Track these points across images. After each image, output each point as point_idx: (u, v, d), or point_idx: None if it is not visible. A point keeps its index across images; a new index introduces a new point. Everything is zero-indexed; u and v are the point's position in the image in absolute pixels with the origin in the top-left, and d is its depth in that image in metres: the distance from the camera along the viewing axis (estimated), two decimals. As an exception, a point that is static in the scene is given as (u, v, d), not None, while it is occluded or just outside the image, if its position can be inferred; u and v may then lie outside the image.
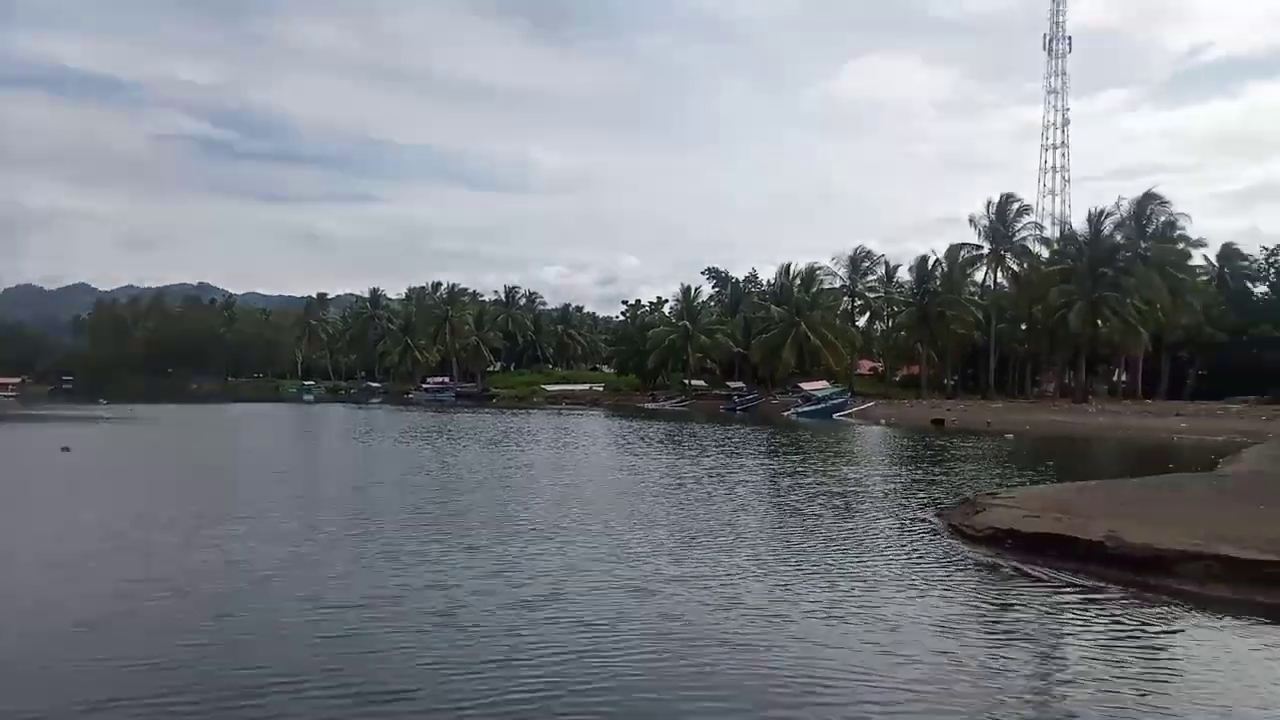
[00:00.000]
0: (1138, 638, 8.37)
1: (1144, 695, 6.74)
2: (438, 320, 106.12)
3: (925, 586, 10.12)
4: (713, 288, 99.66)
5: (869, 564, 11.37)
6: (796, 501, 17.09)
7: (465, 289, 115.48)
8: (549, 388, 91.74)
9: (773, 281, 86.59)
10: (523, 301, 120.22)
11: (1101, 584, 10.26)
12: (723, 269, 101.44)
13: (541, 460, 25.93)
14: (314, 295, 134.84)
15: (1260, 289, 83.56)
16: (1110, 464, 27.10)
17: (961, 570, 11.06)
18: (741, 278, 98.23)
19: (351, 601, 9.00)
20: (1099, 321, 64.73)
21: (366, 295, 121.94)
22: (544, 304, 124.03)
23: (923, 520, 14.83)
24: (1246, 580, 10.02)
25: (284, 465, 24.81)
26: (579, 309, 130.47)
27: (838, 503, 16.84)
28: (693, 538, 12.98)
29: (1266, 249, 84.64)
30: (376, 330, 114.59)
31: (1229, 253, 79.11)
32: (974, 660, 7.46)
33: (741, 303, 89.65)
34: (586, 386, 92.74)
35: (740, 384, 77.11)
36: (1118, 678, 7.10)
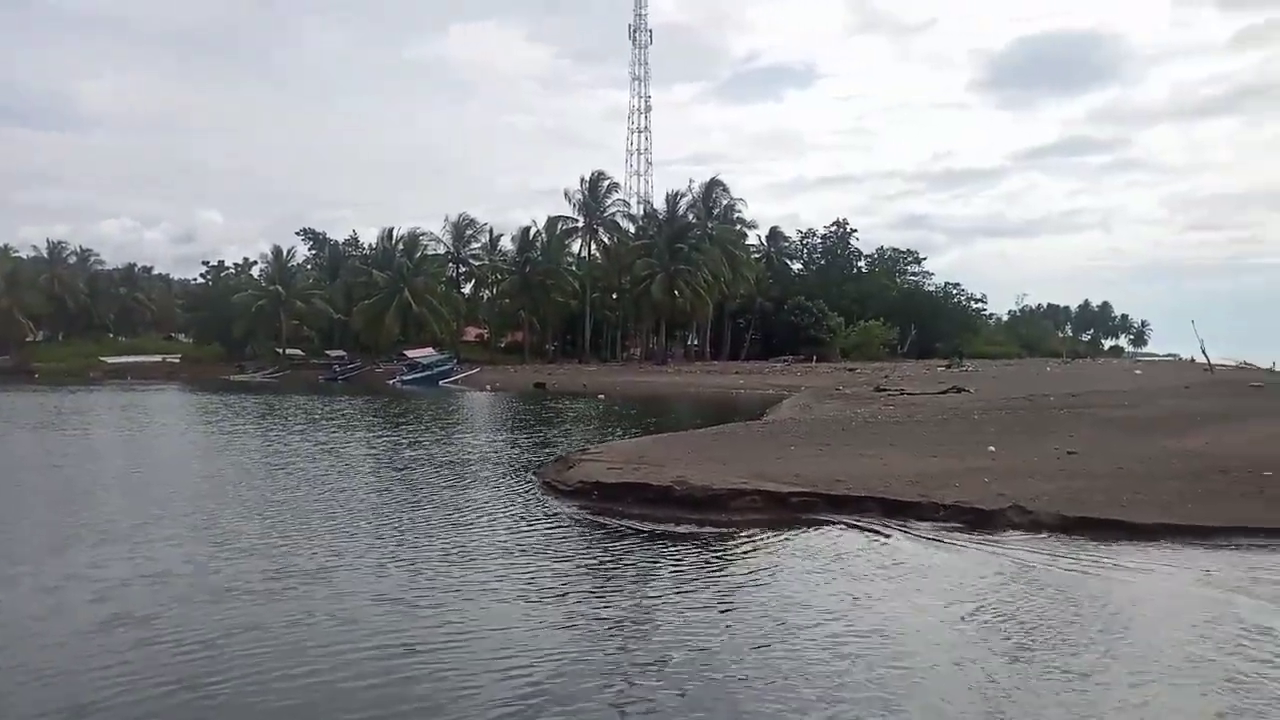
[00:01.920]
0: (708, 564, 9.61)
1: (721, 611, 7.81)
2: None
3: (515, 542, 10.63)
4: (309, 250, 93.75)
5: (471, 529, 11.66)
6: (402, 472, 16.90)
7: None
8: (110, 360, 78.86)
9: (375, 246, 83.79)
10: (72, 260, 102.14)
11: (672, 524, 11.58)
12: (320, 230, 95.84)
13: (106, 445, 22.53)
14: None
15: (796, 266, 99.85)
16: (684, 418, 30.62)
17: (552, 524, 11.78)
18: (341, 240, 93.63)
19: None
20: (676, 292, 72.42)
21: None
22: (102, 263, 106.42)
23: (521, 480, 15.54)
24: (779, 507, 12.07)
25: None
26: (148, 270, 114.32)
27: (446, 472, 16.96)
28: (297, 520, 12.24)
29: (801, 233, 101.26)
30: None
31: (775, 234, 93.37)
32: (561, 608, 8.03)
33: (341, 267, 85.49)
34: (159, 358, 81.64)
35: (341, 353, 73.72)
36: (695, 601, 8.13)
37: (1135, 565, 9.37)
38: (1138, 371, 50.80)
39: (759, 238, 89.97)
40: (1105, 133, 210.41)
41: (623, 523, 11.74)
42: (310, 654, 6.76)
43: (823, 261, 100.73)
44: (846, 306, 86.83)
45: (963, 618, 7.58)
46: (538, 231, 78.58)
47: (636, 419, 30.23)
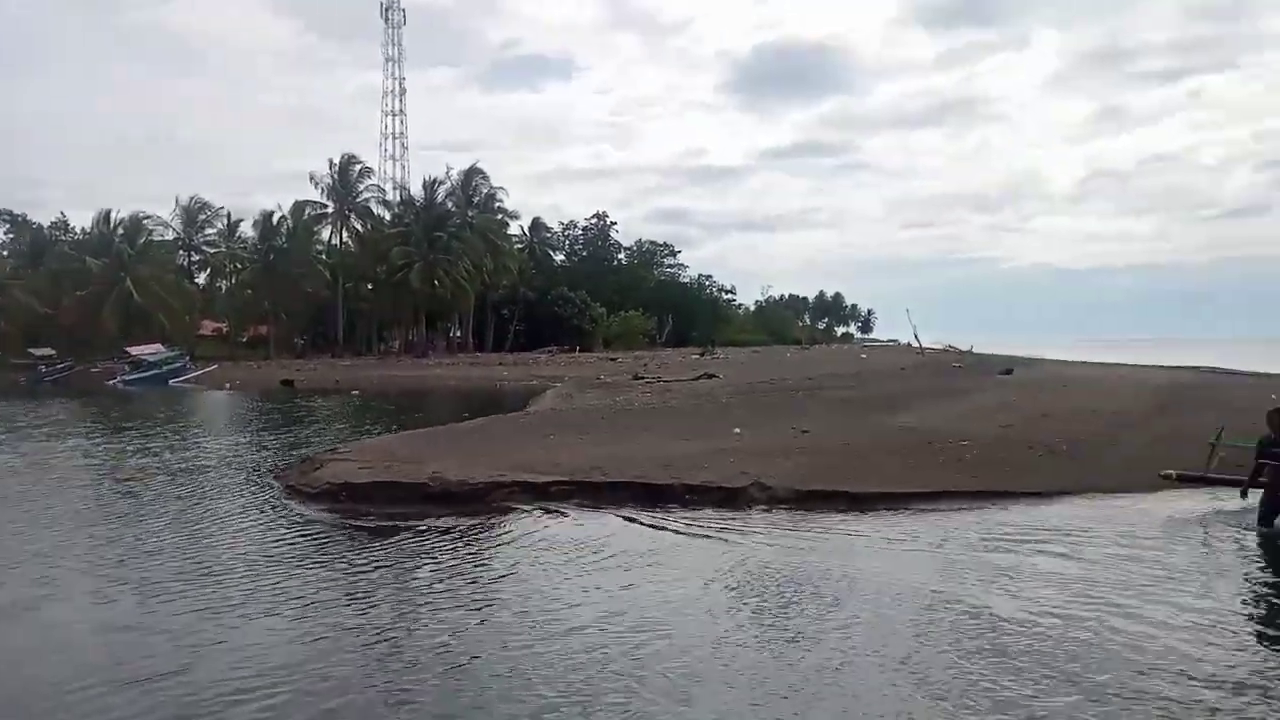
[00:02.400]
0: (463, 561, 9.44)
1: (475, 609, 7.69)
2: None
3: (258, 553, 9.92)
4: (6, 234, 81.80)
5: (207, 542, 10.70)
6: (126, 484, 15.19)
7: None
8: None
9: (89, 230, 74.57)
10: None
11: (428, 521, 11.28)
12: (20, 212, 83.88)
13: None
14: None
15: (559, 257, 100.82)
16: (446, 412, 29.96)
17: (297, 531, 11.09)
18: (47, 224, 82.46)
19: None
20: (436, 282, 70.72)
21: None
22: None
23: (264, 485, 14.51)
24: (538, 497, 12.15)
25: None
26: None
27: (180, 480, 15.46)
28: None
29: (563, 224, 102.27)
30: None
31: (537, 225, 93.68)
32: (304, 620, 7.60)
33: (47, 254, 75.27)
34: None
35: (49, 351, 64.90)
36: (449, 601, 7.96)
37: (853, 532, 10.37)
38: (863, 355, 56.32)
39: (521, 228, 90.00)
40: (835, 137, 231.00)
41: (375, 523, 11.28)
42: (19, 698, 5.94)
43: (584, 253, 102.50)
44: (608, 297, 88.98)
45: (702, 593, 8.01)
46: (283, 217, 73.64)
47: (394, 415, 29.20)
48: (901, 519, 10.96)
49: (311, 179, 73.82)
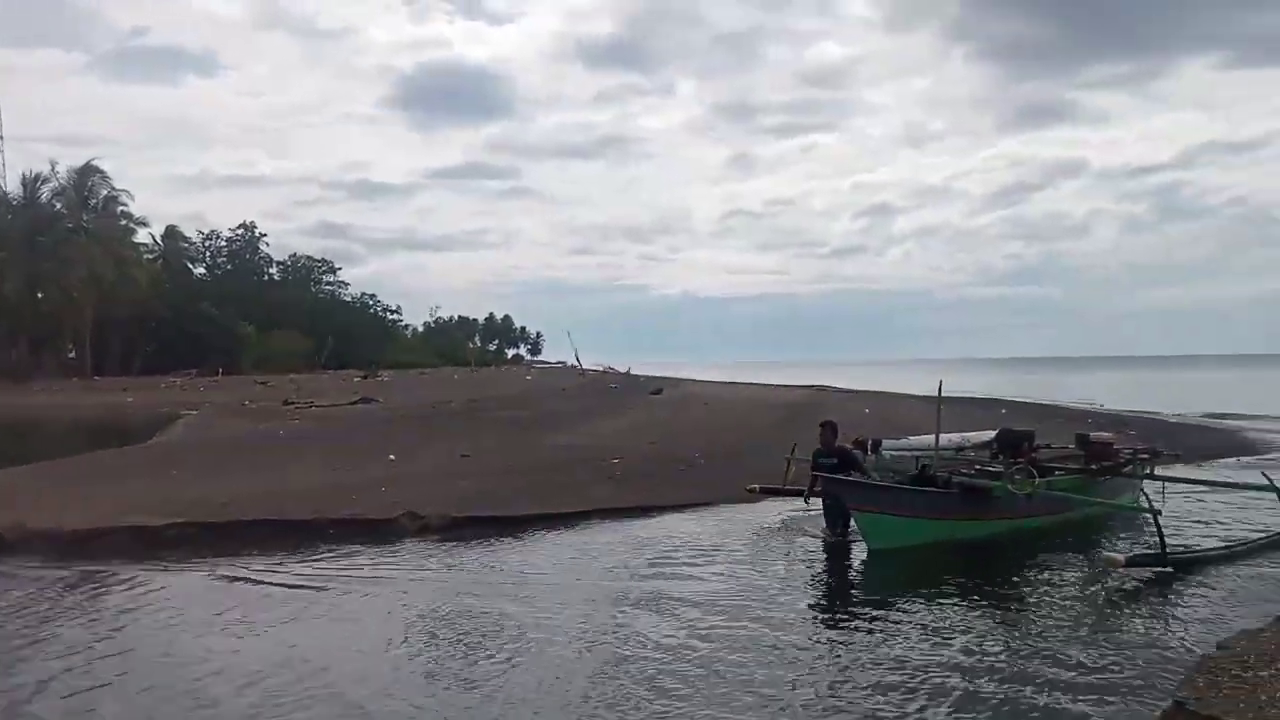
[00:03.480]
0: (47, 625, 7.81)
1: (68, 683, 6.35)
2: None
3: None
4: None
5: None
6: None
7: None
8: None
9: None
10: None
11: (10, 579, 9.35)
12: None
13: None
14: None
15: (200, 270, 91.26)
16: (52, 446, 25.44)
17: None
18: None
19: None
20: (39, 293, 60.56)
21: None
22: None
23: None
24: (151, 543, 10.61)
25: None
26: None
27: None
28: None
29: (203, 234, 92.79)
30: None
31: (173, 233, 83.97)
32: None
33: None
34: None
35: None
36: (21, 680, 6.53)
37: (498, 564, 10.28)
38: (529, 377, 57.48)
39: (153, 236, 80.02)
40: (502, 161, 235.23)
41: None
42: None
43: (229, 266, 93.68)
44: (259, 315, 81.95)
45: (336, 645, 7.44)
46: None
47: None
48: (552, 540, 11.09)
49: None
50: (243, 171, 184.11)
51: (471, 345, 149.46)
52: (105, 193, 68.60)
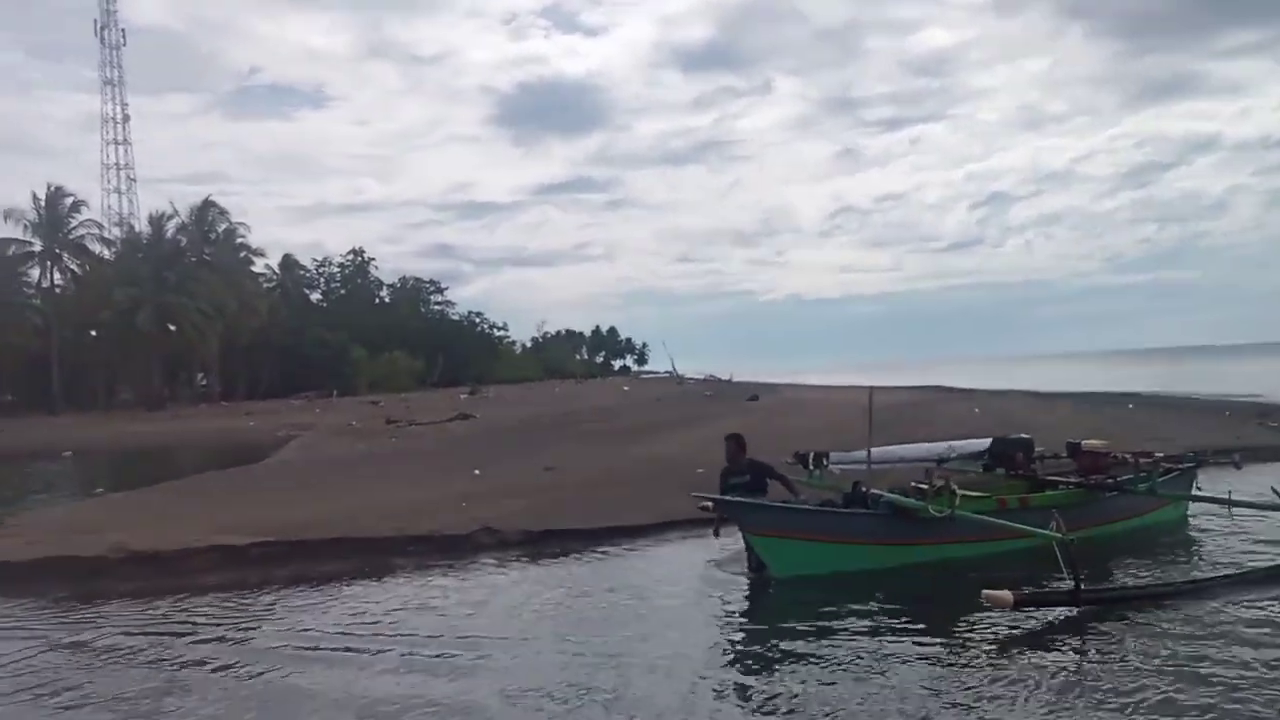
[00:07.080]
0: (129, 656, 8.01)
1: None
2: None
3: None
4: None
5: None
6: None
7: None
8: None
9: None
10: None
11: (100, 602, 9.76)
12: None
13: None
14: None
15: (316, 296, 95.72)
16: (168, 470, 26.96)
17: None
18: None
19: None
20: (171, 325, 64.49)
21: None
22: None
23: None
24: (238, 562, 10.93)
25: None
26: None
27: None
28: None
29: (316, 261, 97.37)
30: None
31: (289, 263, 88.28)
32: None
33: None
34: None
35: None
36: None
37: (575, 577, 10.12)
38: (626, 388, 57.56)
39: (270, 266, 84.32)
40: (603, 173, 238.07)
41: (35, 613, 9.57)
42: None
43: (342, 291, 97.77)
44: (371, 337, 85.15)
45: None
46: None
47: (107, 477, 25.82)
48: (613, 553, 10.89)
49: (5, 215, 64.22)
50: (354, 199, 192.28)
51: (579, 358, 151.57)
52: (225, 226, 72.76)
